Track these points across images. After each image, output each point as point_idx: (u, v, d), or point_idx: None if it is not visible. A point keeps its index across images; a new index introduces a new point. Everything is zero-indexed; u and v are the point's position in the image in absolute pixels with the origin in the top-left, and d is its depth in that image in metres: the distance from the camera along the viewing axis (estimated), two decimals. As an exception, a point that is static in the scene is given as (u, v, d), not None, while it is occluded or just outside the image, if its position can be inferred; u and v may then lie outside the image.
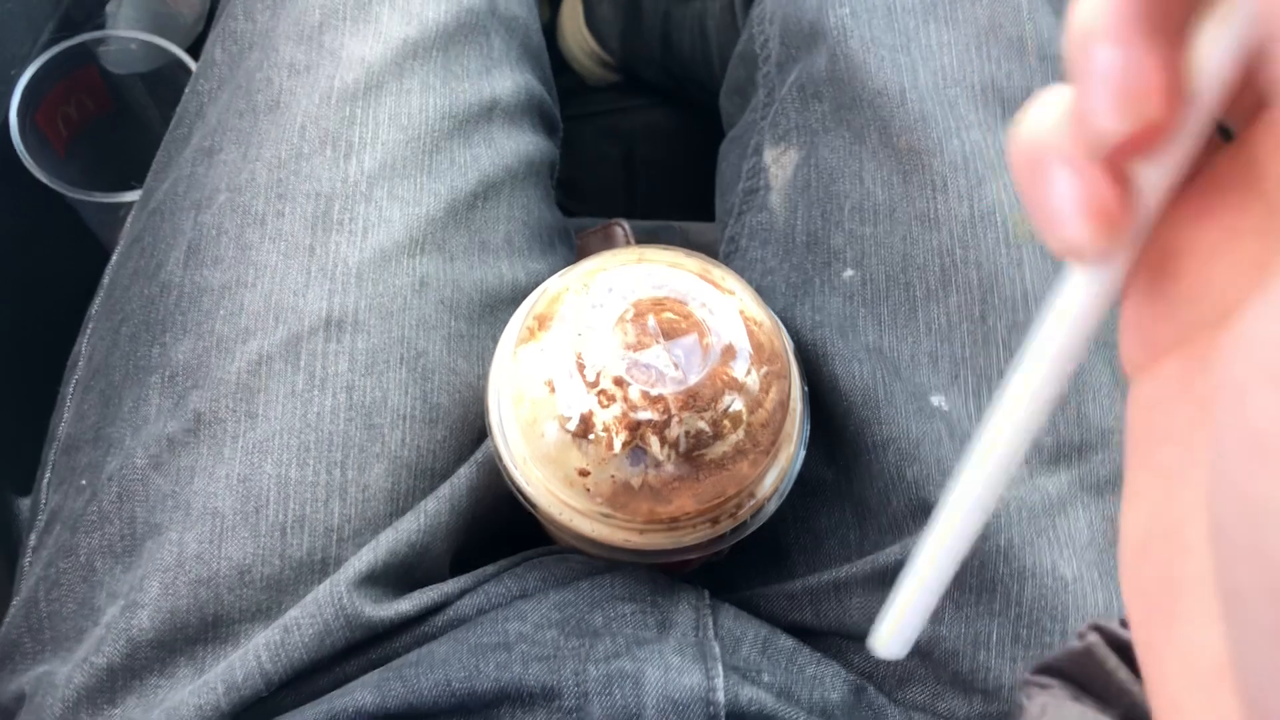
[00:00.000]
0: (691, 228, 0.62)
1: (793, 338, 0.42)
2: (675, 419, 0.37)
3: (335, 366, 0.41)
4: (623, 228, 0.57)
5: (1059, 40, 0.45)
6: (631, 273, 0.40)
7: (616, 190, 0.88)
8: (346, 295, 0.42)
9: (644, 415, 0.37)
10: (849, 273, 0.45)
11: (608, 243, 0.56)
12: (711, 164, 0.65)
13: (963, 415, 0.41)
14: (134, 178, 0.62)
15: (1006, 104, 0.45)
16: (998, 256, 0.42)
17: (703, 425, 0.38)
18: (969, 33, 0.45)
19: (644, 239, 0.60)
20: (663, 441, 0.37)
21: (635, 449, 0.37)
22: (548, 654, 0.37)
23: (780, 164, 0.48)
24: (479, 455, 0.43)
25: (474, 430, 0.44)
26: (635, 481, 0.38)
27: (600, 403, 0.37)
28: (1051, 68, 0.45)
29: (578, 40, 0.93)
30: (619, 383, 0.37)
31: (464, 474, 0.42)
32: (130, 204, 0.63)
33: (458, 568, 0.42)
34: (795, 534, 0.44)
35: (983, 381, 0.41)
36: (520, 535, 0.43)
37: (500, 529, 0.43)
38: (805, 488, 0.41)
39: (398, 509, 0.41)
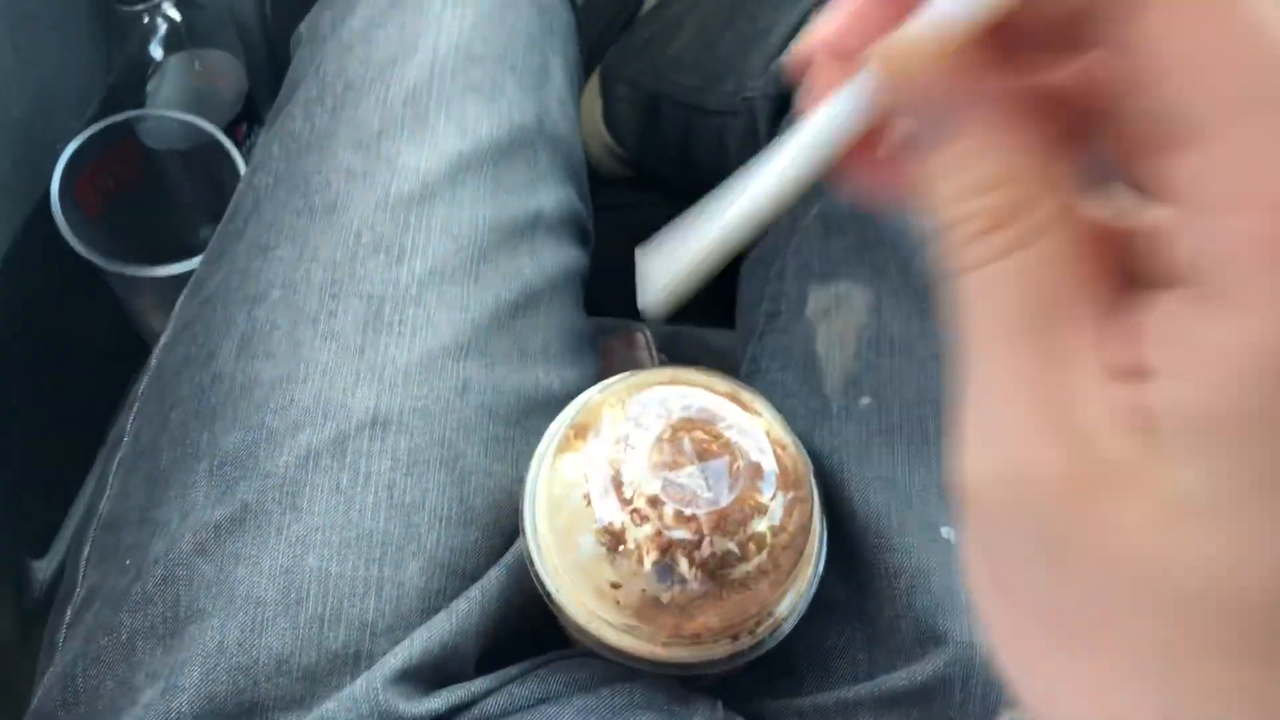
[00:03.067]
0: (709, 334, 0.65)
1: (812, 461, 0.44)
2: (706, 540, 0.39)
3: (378, 465, 0.43)
4: (644, 334, 0.59)
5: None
6: (667, 393, 0.42)
7: (628, 285, 0.90)
8: (393, 396, 0.44)
9: (677, 535, 0.39)
10: (866, 400, 0.47)
11: (630, 349, 0.59)
12: (723, 269, 0.68)
13: None
14: (161, 251, 0.64)
15: None
16: None
17: (731, 547, 0.40)
18: None
19: (662, 344, 0.62)
20: (691, 561, 0.39)
21: (664, 566, 0.39)
22: None
23: (802, 293, 0.51)
24: (508, 558, 0.44)
25: (505, 533, 0.46)
26: (664, 597, 0.39)
27: (634, 520, 0.39)
28: None
29: (593, 133, 0.96)
30: (654, 501, 0.39)
31: (494, 576, 0.44)
32: (157, 279, 0.64)
33: (482, 663, 0.44)
34: (806, 651, 0.46)
35: None
36: (543, 634, 0.45)
37: (526, 629, 0.45)
38: (819, 607, 0.42)
39: (430, 607, 0.43)
